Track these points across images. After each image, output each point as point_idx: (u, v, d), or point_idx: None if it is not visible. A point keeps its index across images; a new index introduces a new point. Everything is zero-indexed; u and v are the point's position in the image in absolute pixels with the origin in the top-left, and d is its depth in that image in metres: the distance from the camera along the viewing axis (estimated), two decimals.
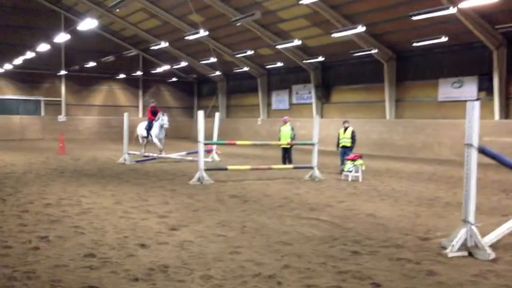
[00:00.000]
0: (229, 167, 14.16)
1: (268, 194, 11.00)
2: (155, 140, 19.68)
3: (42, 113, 38.94)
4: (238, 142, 16.78)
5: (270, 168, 14.55)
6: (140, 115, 42.87)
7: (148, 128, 20.12)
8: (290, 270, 5.30)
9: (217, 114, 21.10)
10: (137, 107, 42.77)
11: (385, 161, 21.45)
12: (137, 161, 18.06)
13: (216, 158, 19.49)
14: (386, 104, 26.47)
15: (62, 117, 39.55)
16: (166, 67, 38.86)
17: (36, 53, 31.35)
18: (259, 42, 30.04)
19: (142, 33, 36.53)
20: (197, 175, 12.57)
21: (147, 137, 20.18)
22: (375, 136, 26.64)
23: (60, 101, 39.68)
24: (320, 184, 12.95)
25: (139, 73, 41.53)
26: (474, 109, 6.30)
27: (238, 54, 31.81)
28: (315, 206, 9.51)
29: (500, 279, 5.16)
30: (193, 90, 45.40)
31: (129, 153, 17.99)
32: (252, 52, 30.85)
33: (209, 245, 6.30)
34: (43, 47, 27.88)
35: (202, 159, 12.75)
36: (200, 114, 12.83)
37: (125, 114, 18.55)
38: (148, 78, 42.32)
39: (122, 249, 6.03)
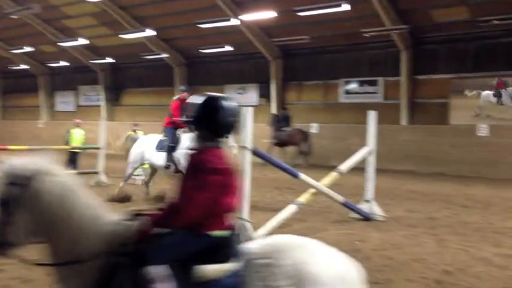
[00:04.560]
0: None
1: None
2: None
3: None
4: (11, 147, 14.89)
5: None
6: None
7: (172, 145, 9.97)
8: None
9: None
10: None
11: None
12: None
13: None
14: None
15: None
16: None
17: None
18: (40, 39, 27.57)
19: None
20: None
21: (168, 167, 10.00)
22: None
23: None
24: (106, 189, 12.44)
25: None
26: (248, 114, 6.80)
27: (15, 49, 28.71)
28: None
29: None
30: None
31: None
32: (33, 49, 28.17)
33: None
34: None
35: None
36: None
37: None
38: None
39: None
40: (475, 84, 18.69)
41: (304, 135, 20.02)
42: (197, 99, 2.94)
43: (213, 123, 2.86)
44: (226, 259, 2.74)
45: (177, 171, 9.60)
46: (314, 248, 2.78)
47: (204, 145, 2.86)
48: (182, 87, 11.72)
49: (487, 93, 18.41)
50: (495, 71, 18.26)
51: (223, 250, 2.76)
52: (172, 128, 10.26)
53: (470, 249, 6.68)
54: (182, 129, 9.96)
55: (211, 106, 2.89)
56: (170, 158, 9.91)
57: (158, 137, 10.59)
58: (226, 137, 2.90)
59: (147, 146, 10.54)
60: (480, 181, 15.83)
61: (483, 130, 18.10)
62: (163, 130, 10.66)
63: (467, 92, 18.71)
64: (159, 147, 10.20)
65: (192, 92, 10.63)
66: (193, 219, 2.70)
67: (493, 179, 16.34)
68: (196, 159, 2.79)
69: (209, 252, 2.74)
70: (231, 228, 2.86)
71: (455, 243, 7.06)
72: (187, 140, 9.61)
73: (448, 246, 6.91)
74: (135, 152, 10.84)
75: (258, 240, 2.95)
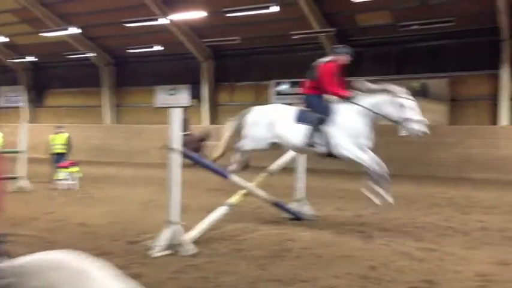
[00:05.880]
0: None
1: None
2: (360, 157, 8.00)
3: None
4: None
5: None
6: None
7: (322, 116, 7.60)
8: None
9: None
10: None
11: (104, 166, 21.10)
12: None
13: None
14: (105, 109, 26.15)
15: None
16: None
17: None
18: None
19: None
20: None
21: (312, 146, 7.67)
22: (93, 141, 25.95)
23: None
24: (28, 195, 11.80)
25: None
26: (175, 116, 6.69)
27: None
28: (19, 220, 8.53)
29: (200, 271, 5.57)
30: None
31: None
32: None
33: None
34: None
35: None
36: None
37: None
38: None
39: None
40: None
41: (201, 141, 19.14)
42: None
43: None
44: None
45: (329, 154, 7.66)
46: (75, 271, 2.43)
47: None
48: (340, 49, 8.47)
49: None
50: (416, 74, 19.25)
51: None
52: (317, 96, 7.86)
53: (393, 245, 6.97)
54: (329, 98, 7.82)
55: None
56: (317, 134, 7.54)
57: (292, 108, 8.04)
58: None
59: (279, 116, 7.75)
60: (404, 179, 16.61)
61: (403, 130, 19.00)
62: (301, 100, 8.19)
63: None
64: (301, 118, 7.68)
65: (352, 56, 8.34)
66: None
67: (415, 176, 17.21)
68: None
69: None
70: None
71: (380, 239, 7.34)
72: (344, 111, 7.62)
73: (373, 242, 7.17)
74: (260, 124, 7.77)
75: (23, 257, 2.58)
